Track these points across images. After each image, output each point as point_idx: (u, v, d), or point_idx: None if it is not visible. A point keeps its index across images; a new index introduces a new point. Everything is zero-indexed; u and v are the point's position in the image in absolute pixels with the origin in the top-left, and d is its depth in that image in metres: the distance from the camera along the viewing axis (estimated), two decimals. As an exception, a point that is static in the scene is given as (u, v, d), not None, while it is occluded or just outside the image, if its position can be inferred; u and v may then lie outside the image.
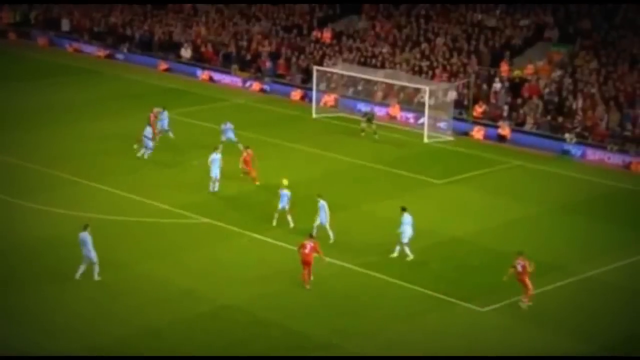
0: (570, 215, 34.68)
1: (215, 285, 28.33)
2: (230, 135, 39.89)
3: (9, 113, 46.30)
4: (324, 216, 31.11)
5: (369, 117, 43.40)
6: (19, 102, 48.39)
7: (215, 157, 35.44)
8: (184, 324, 26.10)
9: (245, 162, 36.53)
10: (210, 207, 34.22)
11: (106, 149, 40.97)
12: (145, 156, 38.92)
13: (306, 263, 27.83)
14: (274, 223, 32.33)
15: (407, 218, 30.11)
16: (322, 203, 31.22)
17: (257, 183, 36.23)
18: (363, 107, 46.21)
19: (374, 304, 27.53)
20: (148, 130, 39.26)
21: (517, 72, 46.91)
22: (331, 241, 31.11)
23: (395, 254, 30.19)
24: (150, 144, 39.06)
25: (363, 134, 43.12)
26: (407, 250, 30.20)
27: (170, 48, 57.61)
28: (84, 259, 28.14)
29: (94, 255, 28.03)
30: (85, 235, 28.08)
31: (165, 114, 41.22)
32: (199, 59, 56.02)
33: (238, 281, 28.57)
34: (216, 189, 35.50)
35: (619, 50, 46.16)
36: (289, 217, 32.39)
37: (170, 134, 41.17)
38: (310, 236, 28.49)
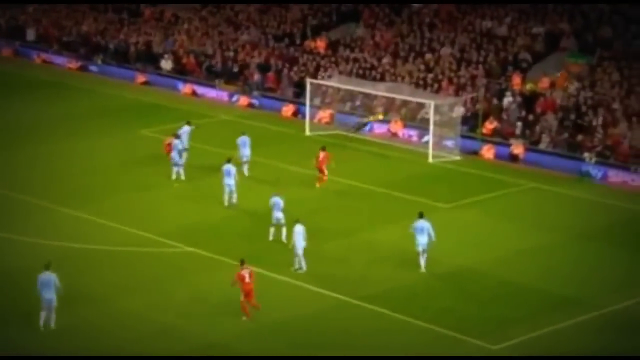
0: (591, 243, 34.85)
1: (200, 321, 28.38)
2: (243, 150, 40.11)
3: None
4: (301, 242, 31.19)
5: (358, 127, 44.55)
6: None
7: (226, 168, 36.52)
8: (166, 363, 26.17)
9: (321, 162, 38.87)
10: (194, 235, 34.33)
11: (80, 171, 41.06)
12: (174, 175, 39.34)
13: (250, 293, 28.19)
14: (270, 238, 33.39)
15: (419, 224, 31.37)
16: (300, 228, 31.32)
17: (318, 186, 38.53)
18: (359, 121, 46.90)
19: (374, 340, 27.61)
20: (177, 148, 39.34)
21: (530, 86, 47.23)
22: (303, 270, 31.27)
23: (422, 270, 31.39)
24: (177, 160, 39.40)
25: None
26: (421, 260, 31.37)
27: (148, 59, 57.89)
28: (43, 304, 27.27)
29: (55, 299, 27.10)
30: (48, 277, 27.12)
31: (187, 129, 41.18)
32: (180, 71, 56.29)
33: (225, 316, 28.63)
34: (233, 201, 36.48)
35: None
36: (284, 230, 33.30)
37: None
38: (242, 262, 28.63)
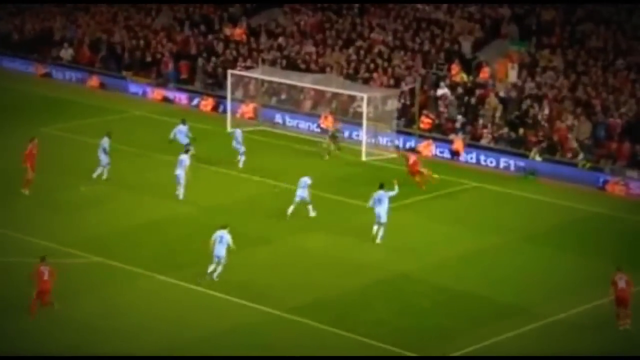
0: (536, 247, 35.66)
1: (109, 340, 28.39)
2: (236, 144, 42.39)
3: None
4: (222, 250, 31.45)
5: (334, 135, 44.64)
6: None
7: (180, 158, 38.09)
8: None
9: (414, 164, 40.28)
10: (103, 243, 34.32)
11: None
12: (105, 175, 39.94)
13: (45, 292, 28.91)
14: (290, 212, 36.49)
15: (377, 195, 34.62)
16: (222, 234, 31.48)
17: (423, 188, 39.96)
18: (293, 120, 47.72)
19: (302, 357, 27.93)
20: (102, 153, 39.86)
21: (462, 76, 47.85)
22: (216, 279, 31.56)
23: (378, 241, 34.61)
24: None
25: (327, 157, 43.94)
26: (379, 231, 34.64)
27: (49, 48, 57.39)
28: None
29: None
30: None
31: (180, 127, 42.61)
32: (85, 61, 55.91)
33: (138, 335, 28.69)
34: (179, 194, 38.09)
35: (589, 48, 47.70)
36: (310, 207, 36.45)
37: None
38: (43, 259, 29.32)
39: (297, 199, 36.62)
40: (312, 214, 36.78)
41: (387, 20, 52.39)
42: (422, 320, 29.99)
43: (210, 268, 31.52)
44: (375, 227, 34.80)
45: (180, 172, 38.20)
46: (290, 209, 36.53)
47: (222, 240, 31.32)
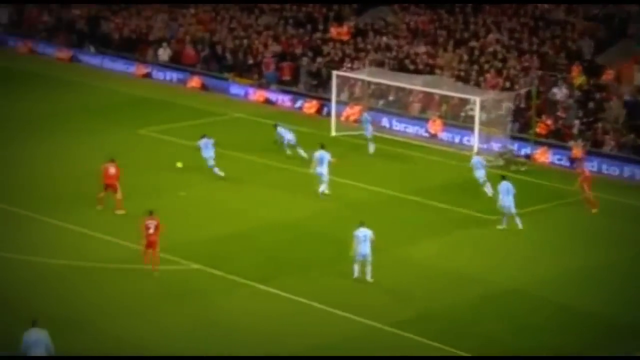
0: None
1: (208, 349, 28.67)
2: (367, 128, 45.00)
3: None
4: (366, 248, 31.96)
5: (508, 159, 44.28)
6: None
7: (319, 155, 39.10)
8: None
9: (585, 180, 39.17)
10: (203, 250, 34.62)
11: (67, 175, 41.41)
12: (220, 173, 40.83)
13: (152, 244, 32.16)
14: None
15: (503, 186, 36.42)
16: (365, 233, 32.06)
17: (594, 210, 38.90)
18: (400, 124, 47.95)
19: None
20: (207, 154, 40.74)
21: (583, 79, 47.16)
22: (370, 280, 31.96)
23: (503, 225, 36.60)
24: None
25: (514, 167, 43.68)
26: (515, 220, 36.37)
27: (149, 48, 58.37)
28: None
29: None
30: (36, 336, 25.38)
31: (283, 130, 43.97)
32: (186, 62, 56.69)
33: (237, 344, 28.91)
34: (325, 190, 39.16)
35: None
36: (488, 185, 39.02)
37: (299, 151, 43.29)
38: (151, 213, 32.38)
39: (481, 180, 39.17)
40: (490, 193, 38.77)
41: (503, 18, 51.96)
42: (537, 340, 29.48)
43: (356, 269, 32.18)
44: (504, 220, 36.45)
45: (321, 170, 38.83)
46: (488, 188, 39.00)
47: (366, 239, 32.06)
